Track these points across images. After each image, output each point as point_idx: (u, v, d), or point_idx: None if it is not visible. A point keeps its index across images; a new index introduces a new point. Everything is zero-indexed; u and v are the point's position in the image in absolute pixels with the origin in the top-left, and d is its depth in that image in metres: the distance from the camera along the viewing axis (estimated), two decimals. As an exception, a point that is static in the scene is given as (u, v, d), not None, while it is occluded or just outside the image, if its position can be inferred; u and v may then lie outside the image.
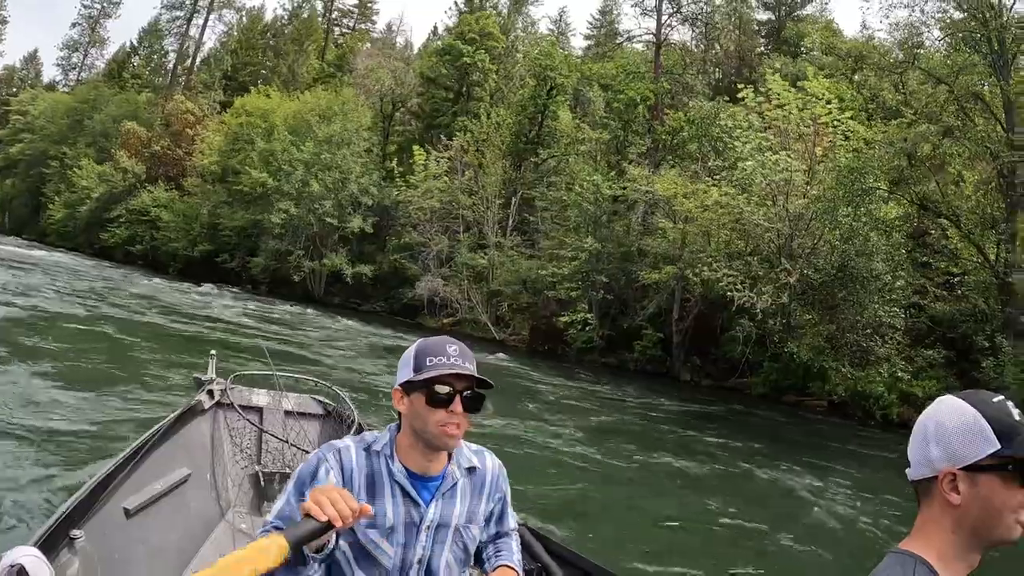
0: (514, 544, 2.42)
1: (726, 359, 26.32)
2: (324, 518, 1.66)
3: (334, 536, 1.77)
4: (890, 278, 23.16)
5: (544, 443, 12.24)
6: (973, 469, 1.41)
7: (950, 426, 1.45)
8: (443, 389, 2.00)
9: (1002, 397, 1.46)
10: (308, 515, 1.67)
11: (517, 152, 39.88)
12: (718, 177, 26.30)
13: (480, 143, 39.77)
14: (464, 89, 46.67)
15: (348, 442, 2.12)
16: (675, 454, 13.21)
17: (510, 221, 37.81)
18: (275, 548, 1.57)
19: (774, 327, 23.99)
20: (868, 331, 23.24)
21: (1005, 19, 22.73)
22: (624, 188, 30.89)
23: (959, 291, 24.38)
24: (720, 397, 23.76)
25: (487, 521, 2.31)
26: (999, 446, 1.39)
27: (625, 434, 14.92)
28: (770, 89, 27.02)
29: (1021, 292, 21.34)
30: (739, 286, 23.14)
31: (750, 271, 23.78)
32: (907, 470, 1.53)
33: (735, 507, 9.93)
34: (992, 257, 22.43)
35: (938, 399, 1.52)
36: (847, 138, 25.29)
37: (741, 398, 23.94)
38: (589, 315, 29.54)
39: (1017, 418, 1.42)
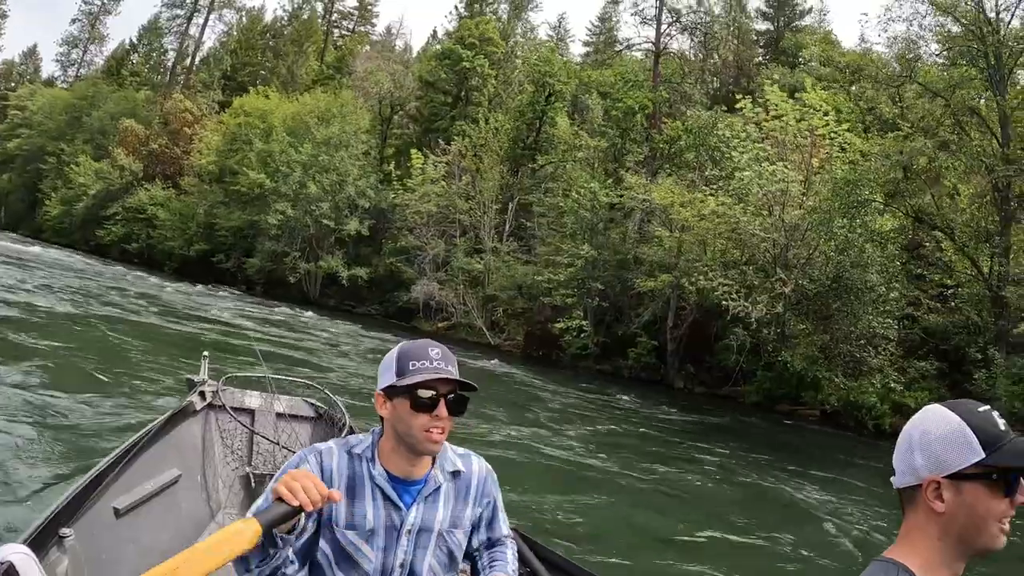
0: (509, 553, 2.37)
1: (720, 367, 26.40)
2: (296, 503, 1.69)
3: (303, 518, 1.81)
4: (884, 289, 23.33)
5: (539, 449, 12.20)
6: (958, 477, 1.41)
7: (935, 434, 1.44)
8: (427, 393, 1.97)
9: (988, 407, 1.46)
10: (279, 499, 1.72)
11: (515, 158, 39.94)
12: (715, 186, 26.41)
13: (478, 148, 39.86)
14: (463, 94, 46.76)
15: (331, 445, 2.10)
16: (670, 461, 13.20)
17: (507, 226, 37.87)
18: (249, 531, 1.62)
19: (768, 336, 24.08)
20: (862, 342, 23.38)
21: (1002, 34, 22.84)
22: (621, 196, 30.99)
23: (953, 303, 24.49)
24: (714, 405, 23.83)
25: (476, 527, 2.27)
26: (984, 455, 1.39)
27: (620, 441, 14.90)
28: (768, 100, 27.11)
29: (1014, 305, 21.43)
30: (734, 295, 23.28)
31: (745, 280, 23.90)
32: (892, 478, 1.54)
33: (732, 516, 9.95)
34: (986, 270, 22.54)
35: (924, 408, 1.52)
36: (843, 150, 25.45)
37: (735, 406, 24.00)
38: (584, 322, 29.59)
39: (1002, 428, 1.42)
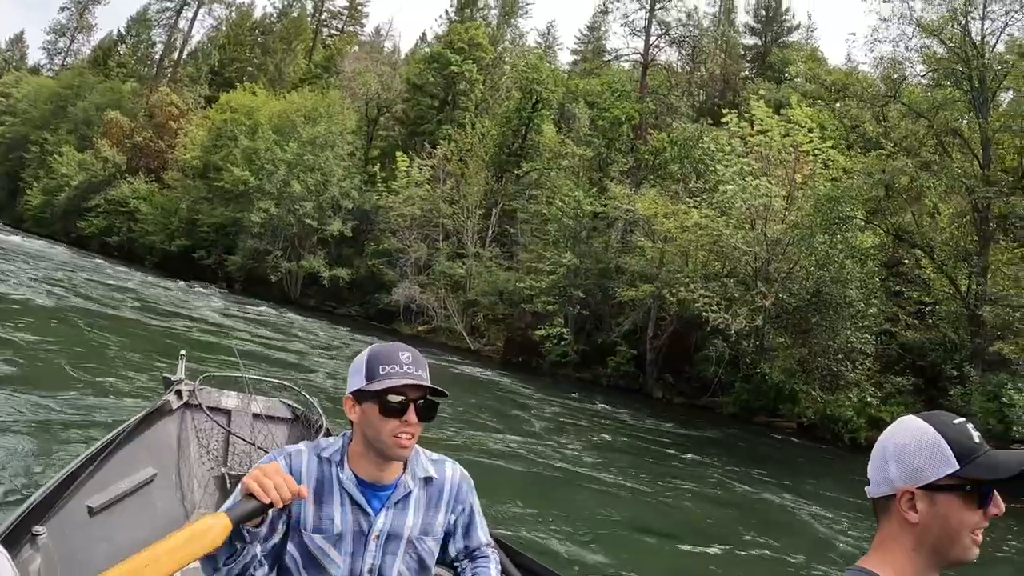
0: (492, 568, 2.32)
1: (698, 378, 26.51)
2: (266, 499, 1.69)
3: (272, 513, 1.80)
4: (863, 305, 23.56)
5: (520, 456, 12.21)
6: (932, 488, 1.42)
7: (910, 445, 1.45)
8: (396, 399, 1.94)
9: (963, 419, 1.47)
10: (249, 494, 1.71)
11: (500, 164, 39.93)
12: (698, 199, 26.55)
13: (463, 153, 39.82)
14: (450, 98, 46.68)
15: (301, 447, 2.07)
16: (651, 470, 13.29)
17: (490, 232, 37.87)
18: (219, 526, 1.62)
19: (747, 348, 24.25)
20: (839, 356, 23.56)
21: (987, 58, 23.06)
22: (605, 205, 31.07)
23: (930, 320, 24.72)
24: (692, 415, 23.91)
25: (452, 534, 2.24)
26: (958, 467, 1.40)
27: (601, 449, 14.94)
28: (753, 115, 27.29)
29: (990, 324, 21.61)
30: (714, 307, 23.40)
31: (726, 293, 24.04)
32: (866, 487, 1.54)
33: (713, 526, 10.08)
34: (963, 289, 22.71)
35: (899, 419, 1.53)
36: (827, 166, 25.66)
37: (712, 417, 24.09)
38: (564, 329, 29.61)
39: (977, 440, 1.43)
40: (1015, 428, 18.14)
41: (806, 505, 12.26)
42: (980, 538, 1.44)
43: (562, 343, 29.47)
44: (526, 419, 16.87)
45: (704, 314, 23.40)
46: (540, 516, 8.81)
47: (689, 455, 15.85)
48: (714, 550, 9.00)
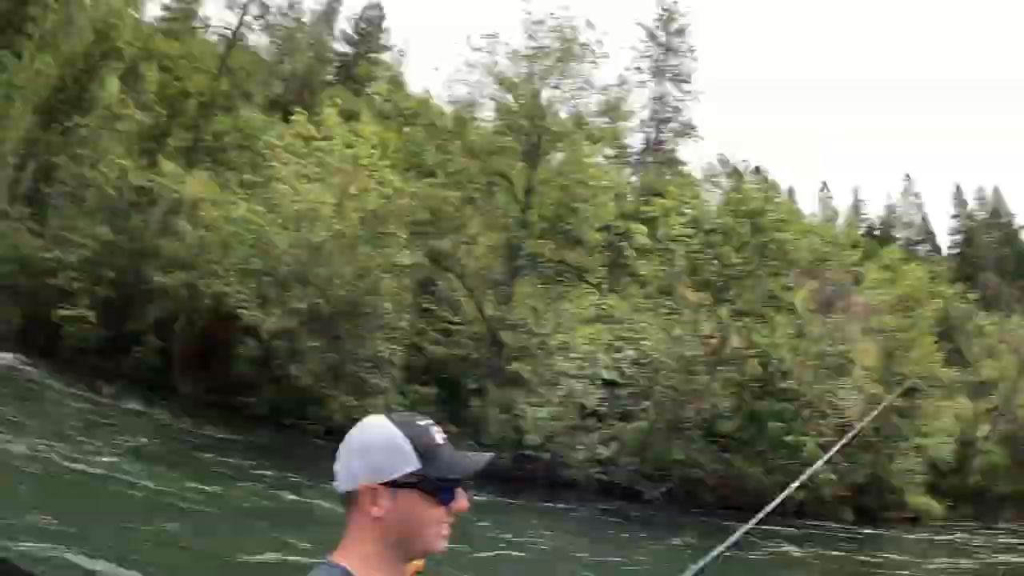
0: None
1: (229, 376, 25.75)
2: None
3: None
4: (395, 317, 24.78)
5: (34, 456, 11.50)
6: (393, 485, 1.50)
7: (373, 443, 1.53)
8: None
9: (431, 421, 1.58)
10: None
11: (50, 110, 35.53)
12: (250, 191, 25.99)
13: (12, 89, 34.81)
14: (15, 20, 40.62)
15: None
16: (182, 475, 13.03)
17: (22, 188, 33.42)
18: None
19: (280, 349, 24.10)
20: (368, 364, 24.46)
21: (547, 121, 25.95)
22: (152, 181, 29.04)
23: (456, 338, 26.70)
24: (219, 413, 23.41)
25: None
26: (419, 466, 1.50)
27: (128, 450, 14.60)
28: (324, 120, 27.43)
29: (510, 346, 24.32)
30: (250, 304, 23.12)
31: (262, 291, 23.78)
32: (334, 482, 1.57)
33: (252, 531, 10.50)
34: (489, 313, 24.93)
35: (367, 417, 1.61)
36: (381, 184, 26.46)
37: (243, 417, 23.75)
38: (90, 312, 26.89)
39: (439, 441, 1.55)
40: (527, 436, 20.37)
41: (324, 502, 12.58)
42: (446, 531, 1.55)
43: (86, 326, 26.75)
44: (45, 412, 15.99)
45: (239, 310, 23.02)
46: (62, 531, 8.24)
47: (223, 458, 16.13)
48: (253, 557, 9.21)
